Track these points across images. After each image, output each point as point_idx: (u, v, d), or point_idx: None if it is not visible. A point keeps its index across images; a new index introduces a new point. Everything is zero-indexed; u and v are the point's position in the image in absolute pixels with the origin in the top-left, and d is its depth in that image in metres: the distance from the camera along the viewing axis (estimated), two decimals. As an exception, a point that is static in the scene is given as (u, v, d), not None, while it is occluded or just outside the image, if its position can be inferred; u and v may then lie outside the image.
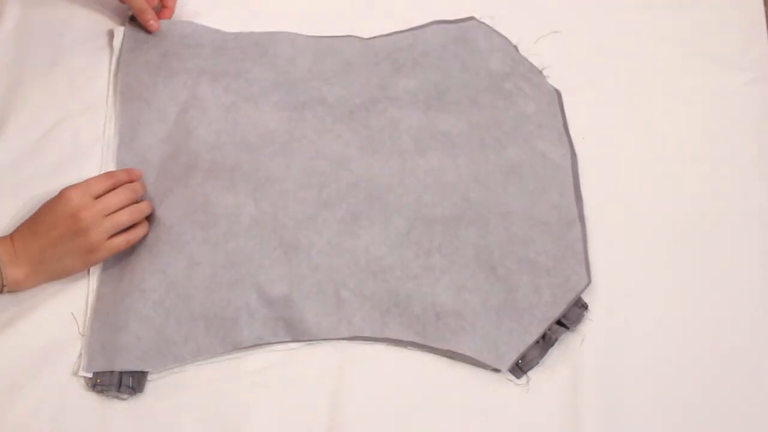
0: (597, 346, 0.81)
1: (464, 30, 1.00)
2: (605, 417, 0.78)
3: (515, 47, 1.00)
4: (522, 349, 0.80)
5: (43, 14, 0.98)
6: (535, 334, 0.80)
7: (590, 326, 0.82)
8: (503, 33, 1.02)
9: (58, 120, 0.90)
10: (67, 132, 0.90)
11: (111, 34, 0.97)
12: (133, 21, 0.97)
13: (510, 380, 0.79)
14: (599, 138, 0.95)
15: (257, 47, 0.96)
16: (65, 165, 0.88)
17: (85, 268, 0.80)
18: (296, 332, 0.79)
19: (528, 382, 0.79)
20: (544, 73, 0.99)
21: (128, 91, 0.92)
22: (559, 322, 0.81)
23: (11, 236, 0.78)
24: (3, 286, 0.76)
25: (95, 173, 0.87)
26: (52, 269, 0.78)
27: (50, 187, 0.85)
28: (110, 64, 0.95)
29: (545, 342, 0.80)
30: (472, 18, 1.01)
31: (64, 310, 0.80)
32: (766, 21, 1.06)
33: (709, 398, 0.80)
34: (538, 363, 0.79)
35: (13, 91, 0.92)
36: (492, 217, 0.86)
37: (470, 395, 0.79)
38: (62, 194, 0.78)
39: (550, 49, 1.02)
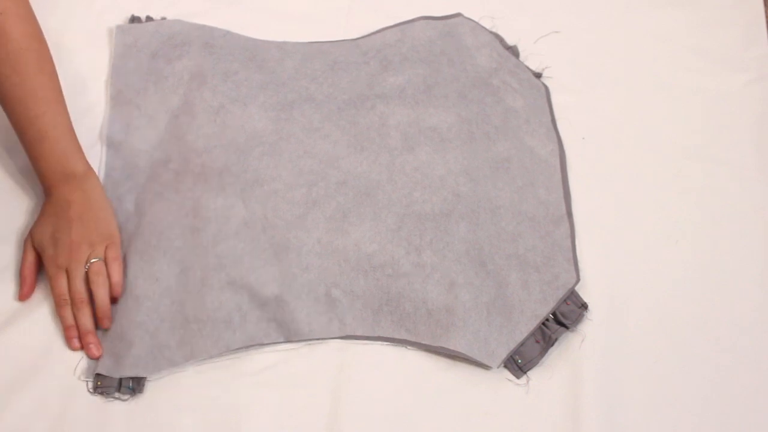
0: (597, 346, 0.81)
1: (451, 26, 1.00)
2: (605, 417, 0.77)
3: (515, 47, 1.00)
4: (512, 346, 0.79)
5: (43, 14, 0.98)
6: (524, 331, 0.80)
7: (590, 326, 0.82)
8: (503, 33, 1.02)
9: None
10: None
11: (111, 34, 0.97)
12: (131, 21, 0.98)
13: (510, 380, 0.79)
14: (599, 138, 0.95)
15: (245, 51, 0.96)
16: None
17: None
18: (288, 333, 0.79)
19: (528, 382, 0.79)
20: (545, 73, 1.00)
21: (119, 96, 0.92)
22: (559, 322, 0.81)
23: None
24: None
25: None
26: None
27: None
28: (110, 56, 0.96)
29: (545, 342, 0.80)
30: (459, 14, 1.02)
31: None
32: (766, 21, 1.06)
33: (709, 398, 0.79)
34: (538, 363, 0.79)
35: None
36: (482, 212, 0.86)
37: (470, 395, 0.78)
38: None
39: (550, 49, 1.02)
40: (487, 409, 0.78)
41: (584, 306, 0.82)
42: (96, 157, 0.89)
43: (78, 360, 0.77)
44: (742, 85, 1.01)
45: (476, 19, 1.02)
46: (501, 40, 1.01)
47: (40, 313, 0.79)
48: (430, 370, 0.79)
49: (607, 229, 0.89)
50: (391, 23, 1.02)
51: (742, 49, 1.04)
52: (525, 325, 0.80)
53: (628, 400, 0.78)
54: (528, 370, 0.79)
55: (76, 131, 0.89)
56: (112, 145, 0.89)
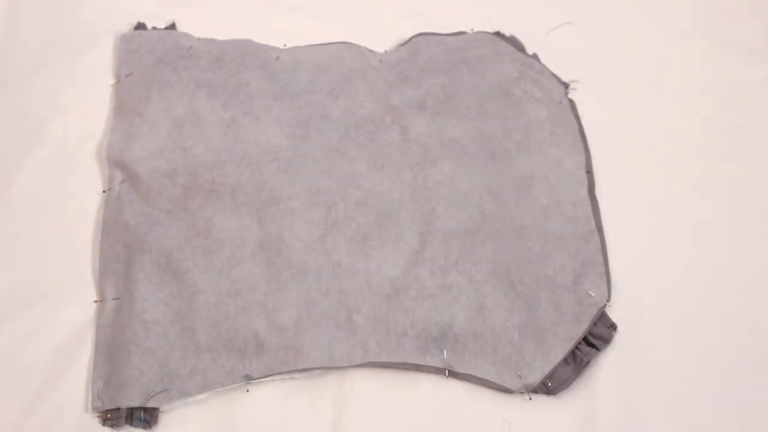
0: (616, 359, 0.78)
1: (467, 40, 0.98)
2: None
3: (535, 55, 0.97)
4: (547, 370, 0.76)
5: (45, 18, 0.96)
6: (560, 354, 0.77)
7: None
8: (515, 24, 0.99)
9: (55, 118, 0.89)
10: (61, 130, 0.89)
11: (116, 39, 0.95)
12: (137, 28, 0.96)
13: (521, 393, 0.76)
14: (613, 134, 0.92)
15: (255, 58, 0.93)
16: (60, 162, 0.86)
17: None
18: (308, 361, 0.75)
19: (531, 399, 0.76)
20: (556, 65, 0.96)
21: (121, 107, 0.89)
22: (590, 344, 0.78)
23: None
24: None
25: (86, 174, 0.86)
26: None
27: (44, 185, 0.85)
28: (113, 65, 0.94)
29: (576, 364, 0.77)
30: (471, 31, 1.00)
31: (71, 340, 0.77)
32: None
33: (732, 414, 0.76)
34: (569, 385, 0.76)
35: (11, 90, 0.91)
36: (507, 232, 0.82)
37: (487, 406, 0.75)
38: None
39: (562, 40, 0.99)
40: (504, 420, 0.75)
41: (613, 326, 0.79)
42: (96, 168, 0.87)
43: (87, 392, 0.74)
44: (764, 78, 0.98)
45: (485, 12, 0.99)
46: (521, 48, 0.98)
47: (46, 346, 0.76)
48: (446, 381, 0.76)
49: (624, 235, 0.86)
50: (394, 14, 0.98)
51: (764, 40, 1.01)
52: (560, 348, 0.77)
53: (647, 412, 0.75)
54: (557, 393, 0.76)
55: (78, 140, 0.88)
56: (111, 155, 0.86)
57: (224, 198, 0.81)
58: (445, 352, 0.76)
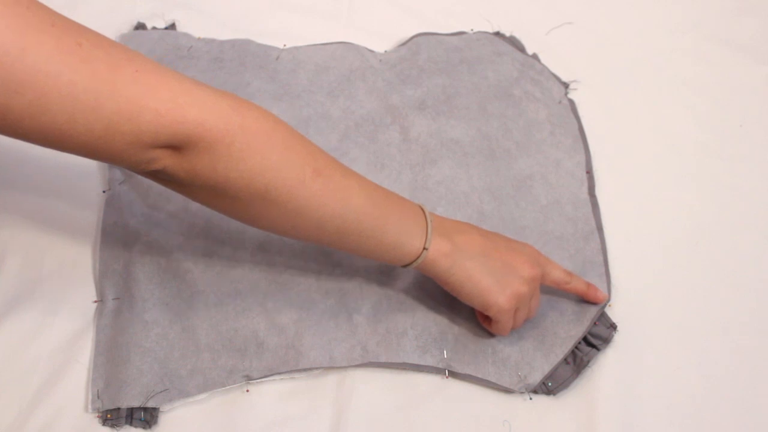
0: (616, 359, 0.77)
1: (467, 40, 0.98)
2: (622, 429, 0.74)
3: (535, 55, 0.97)
4: (547, 369, 0.76)
5: None
6: (560, 354, 0.76)
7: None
8: (515, 25, 0.99)
9: None
10: None
11: (110, 36, 0.93)
12: (136, 28, 0.95)
13: (521, 393, 0.76)
14: (613, 134, 0.92)
15: (255, 58, 0.93)
16: (59, 162, 0.86)
17: (482, 304, 0.72)
18: (308, 361, 0.75)
19: (531, 399, 0.76)
20: (556, 65, 0.96)
21: None
22: (589, 344, 0.78)
23: (443, 219, 0.72)
24: (424, 248, 0.69)
25: (86, 174, 0.85)
26: (472, 272, 0.71)
27: (44, 185, 0.84)
28: None
29: (576, 364, 0.77)
30: (471, 31, 1.00)
31: (71, 340, 0.76)
32: (788, 13, 1.03)
33: (732, 414, 0.75)
34: (569, 385, 0.76)
35: None
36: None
37: (487, 406, 0.75)
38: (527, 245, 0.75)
39: (562, 40, 0.99)
40: (503, 420, 0.74)
41: (613, 326, 0.79)
42: (96, 168, 0.86)
43: (87, 392, 0.74)
44: (763, 78, 0.98)
45: (485, 12, 0.99)
46: (521, 48, 0.98)
47: (46, 346, 0.76)
48: (445, 380, 0.76)
49: (623, 234, 0.85)
50: (394, 14, 0.98)
51: (763, 41, 1.01)
52: (560, 348, 0.77)
53: (647, 412, 0.75)
54: (557, 393, 0.76)
55: None
56: None
57: None
58: (445, 352, 0.76)
